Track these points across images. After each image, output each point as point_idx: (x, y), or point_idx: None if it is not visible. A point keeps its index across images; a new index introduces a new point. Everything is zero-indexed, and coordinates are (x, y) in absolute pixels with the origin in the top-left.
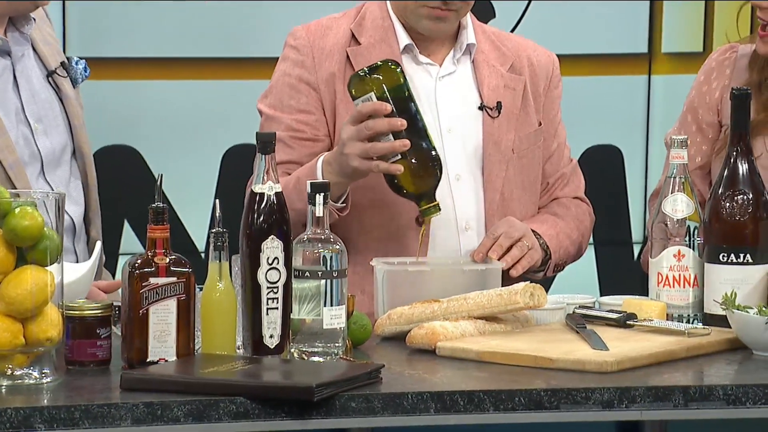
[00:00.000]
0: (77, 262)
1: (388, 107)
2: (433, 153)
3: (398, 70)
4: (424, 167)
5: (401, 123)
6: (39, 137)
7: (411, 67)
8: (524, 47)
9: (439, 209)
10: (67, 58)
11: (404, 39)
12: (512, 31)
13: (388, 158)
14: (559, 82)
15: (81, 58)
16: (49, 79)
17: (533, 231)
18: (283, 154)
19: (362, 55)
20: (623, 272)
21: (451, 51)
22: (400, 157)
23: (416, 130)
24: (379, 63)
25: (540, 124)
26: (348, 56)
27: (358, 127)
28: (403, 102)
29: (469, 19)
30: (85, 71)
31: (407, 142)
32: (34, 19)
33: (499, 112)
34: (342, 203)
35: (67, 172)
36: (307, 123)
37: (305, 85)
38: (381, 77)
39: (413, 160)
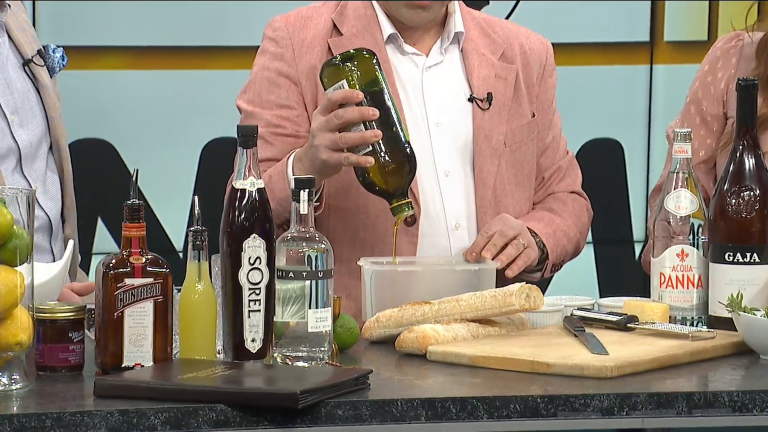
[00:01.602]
0: (54, 261)
1: (360, 95)
2: (407, 148)
3: (373, 60)
4: (396, 162)
5: (373, 112)
6: (16, 129)
7: (396, 58)
8: (516, 34)
9: (412, 208)
10: (44, 46)
11: (388, 28)
12: (507, 18)
13: (358, 150)
14: (554, 71)
15: (58, 46)
16: (25, 68)
17: (529, 229)
18: (263, 151)
19: (344, 46)
20: (624, 272)
21: (438, 40)
22: (371, 149)
23: (389, 123)
24: (352, 51)
25: (534, 115)
26: (329, 47)
27: (328, 116)
28: (377, 93)
29: (456, 6)
30: (63, 60)
31: (378, 132)
32: (9, 5)
33: (490, 104)
34: (315, 201)
35: (43, 166)
36: (287, 118)
37: (285, 79)
38: (354, 66)
39: (385, 154)
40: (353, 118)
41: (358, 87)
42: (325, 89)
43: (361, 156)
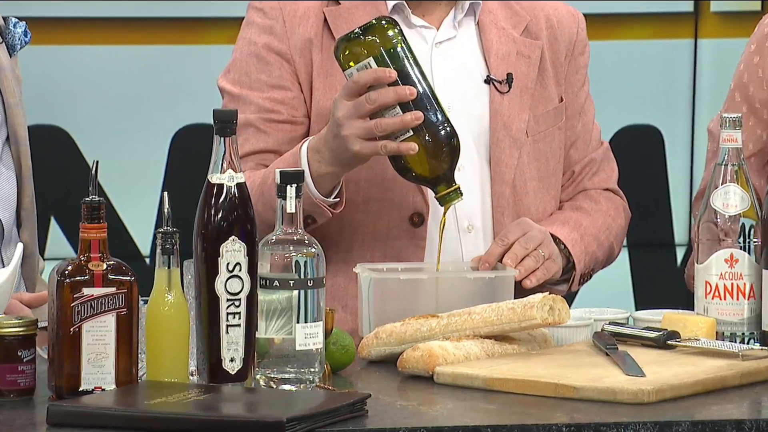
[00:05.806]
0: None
1: (393, 74)
2: (448, 126)
3: (396, 29)
4: (440, 144)
5: (410, 92)
6: None
7: None
8: (542, 5)
9: (461, 194)
10: (4, 19)
11: None
12: None
13: (395, 136)
14: (586, 47)
15: (20, 19)
16: None
17: (552, 236)
18: (256, 141)
19: (343, 17)
20: (663, 281)
21: (451, 11)
22: (411, 133)
23: (426, 100)
24: (373, 22)
25: (561, 99)
26: (326, 18)
27: (356, 101)
28: (408, 67)
29: None
30: (26, 36)
31: (420, 114)
32: None
33: (510, 86)
34: (335, 197)
35: None
36: (282, 102)
37: (276, 56)
38: (377, 39)
39: (426, 137)
40: (388, 101)
41: (385, 63)
42: (345, 69)
43: (402, 143)
